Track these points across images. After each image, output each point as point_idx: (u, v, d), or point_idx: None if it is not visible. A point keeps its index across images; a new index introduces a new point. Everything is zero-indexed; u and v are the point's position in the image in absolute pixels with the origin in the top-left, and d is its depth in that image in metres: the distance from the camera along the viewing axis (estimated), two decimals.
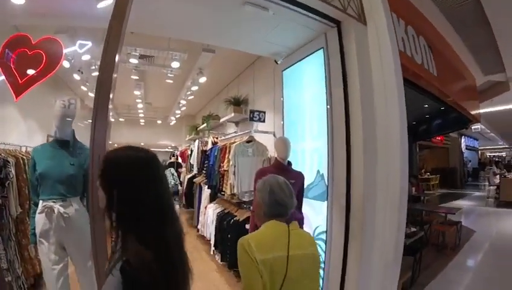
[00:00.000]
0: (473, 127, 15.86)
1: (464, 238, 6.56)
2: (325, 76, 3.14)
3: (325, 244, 3.06)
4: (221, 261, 4.68)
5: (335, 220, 3.01)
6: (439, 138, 15.58)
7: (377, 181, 2.86)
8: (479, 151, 28.90)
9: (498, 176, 12.51)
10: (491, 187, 12.63)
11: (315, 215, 3.21)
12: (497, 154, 32.98)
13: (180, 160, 9.85)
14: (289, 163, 3.06)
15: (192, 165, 7.08)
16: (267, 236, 1.51)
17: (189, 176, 7.22)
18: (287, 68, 3.90)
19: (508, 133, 22.25)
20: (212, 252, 5.05)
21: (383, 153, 2.85)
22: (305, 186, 3.15)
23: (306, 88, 3.54)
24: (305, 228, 3.14)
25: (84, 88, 6.80)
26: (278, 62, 4.10)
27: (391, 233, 2.78)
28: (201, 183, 6.33)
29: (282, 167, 3.00)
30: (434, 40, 5.08)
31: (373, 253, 2.89)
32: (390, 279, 2.86)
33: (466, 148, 21.15)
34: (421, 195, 9.57)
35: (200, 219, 6.18)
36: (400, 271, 2.96)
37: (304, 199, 3.16)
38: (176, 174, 7.85)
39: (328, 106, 3.08)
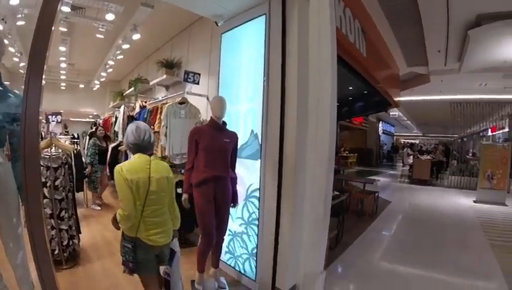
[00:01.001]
0: (391, 113, 17.53)
1: (380, 207, 7.29)
2: (265, 42, 3.16)
3: (259, 201, 3.15)
4: None
5: (268, 177, 3.09)
6: (358, 121, 16.98)
7: (307, 140, 3.04)
8: (395, 137, 32.17)
9: (411, 157, 14.19)
10: (405, 167, 14.22)
11: (248, 174, 3.25)
12: (411, 141, 37.02)
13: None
14: (224, 123, 3.07)
15: (117, 132, 6.53)
16: (135, 164, 2.11)
17: (113, 145, 6.59)
18: (226, 31, 3.83)
19: (423, 123, 25.02)
20: None
21: (314, 115, 3.02)
22: (239, 146, 3.18)
23: (244, 52, 3.51)
24: (239, 187, 3.20)
25: (5, 41, 5.79)
26: (219, 24, 4.02)
27: (321, 189, 2.94)
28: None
29: (217, 126, 2.98)
30: (367, 26, 5.36)
31: (304, 208, 3.05)
32: (321, 233, 3.04)
33: (383, 132, 23.45)
34: (340, 169, 10.41)
35: None
36: None
37: (238, 159, 3.18)
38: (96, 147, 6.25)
39: (266, 70, 3.13)
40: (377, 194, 7.04)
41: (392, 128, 27.90)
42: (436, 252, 4.82)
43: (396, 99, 9.83)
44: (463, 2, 5.40)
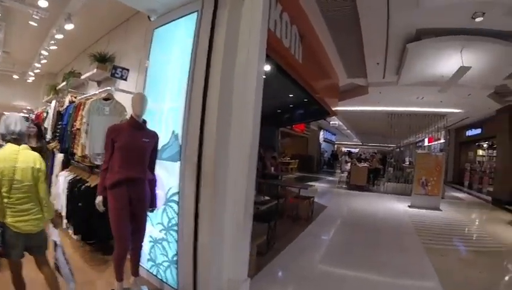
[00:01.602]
0: (331, 122, 18.40)
1: (316, 212, 7.43)
2: (193, 40, 3.06)
3: (178, 206, 2.99)
4: (74, 234, 4.11)
5: (187, 180, 2.96)
6: (300, 128, 17.52)
7: (229, 142, 2.97)
8: (336, 145, 33.83)
9: (349, 164, 14.85)
10: (343, 174, 14.86)
11: (168, 177, 3.08)
12: (352, 149, 39.11)
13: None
14: (144, 121, 2.90)
15: (46, 129, 6.03)
16: (4, 153, 2.21)
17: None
18: (159, 27, 3.66)
19: (362, 132, 26.48)
20: (64, 226, 4.40)
21: (237, 117, 2.97)
22: (160, 147, 3.03)
23: (173, 49, 3.37)
24: (158, 190, 3.05)
25: None
26: (152, 19, 3.83)
27: (241, 192, 2.89)
28: (54, 149, 5.51)
29: (137, 125, 2.82)
30: (307, 34, 5.41)
31: (225, 212, 2.96)
32: (242, 237, 2.97)
33: (324, 140, 24.52)
34: (279, 174, 10.54)
35: (51, 189, 5.37)
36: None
37: (158, 161, 3.04)
38: None
39: (191, 69, 3.03)
40: (312, 199, 7.19)
41: (333, 137, 29.28)
42: (371, 254, 4.96)
43: (334, 109, 10.24)
44: (403, 16, 5.59)
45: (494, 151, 16.60)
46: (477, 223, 8.67)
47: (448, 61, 6.89)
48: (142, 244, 3.04)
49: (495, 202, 12.02)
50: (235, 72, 3.03)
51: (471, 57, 6.55)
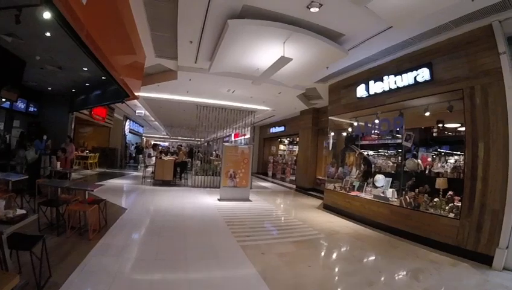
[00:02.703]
0: (137, 111, 16.65)
1: (113, 218, 6.05)
2: None
3: None
4: None
5: None
6: (102, 116, 15.17)
7: None
8: (144, 137, 31.99)
9: (154, 158, 13.64)
10: (149, 169, 13.52)
11: None
12: (161, 143, 37.99)
13: None
14: None
15: None
16: None
17: None
18: None
19: (170, 124, 25.72)
20: None
21: None
22: None
23: None
24: None
25: None
26: None
27: None
28: None
29: None
30: None
31: None
32: None
33: (130, 132, 22.37)
34: (68, 171, 8.55)
35: None
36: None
37: None
38: None
39: None
40: (104, 202, 5.76)
41: (141, 129, 27.30)
42: (184, 268, 4.00)
43: (137, 93, 9.00)
44: None
45: (295, 146, 19.65)
46: (289, 211, 8.97)
47: (267, 51, 6.66)
48: None
49: (298, 189, 13.64)
50: None
51: (293, 51, 6.46)
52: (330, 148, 10.37)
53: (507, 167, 4.59)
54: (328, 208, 9.04)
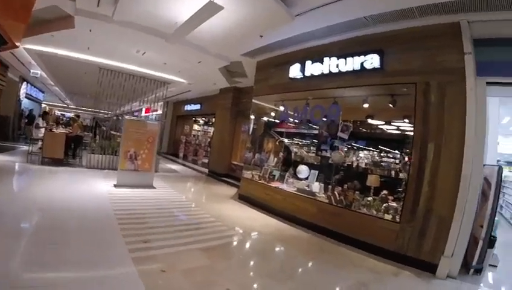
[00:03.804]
0: (31, 71, 13.59)
1: None
2: None
3: None
4: None
5: None
6: None
7: None
8: (45, 105, 27.22)
9: (43, 130, 10.92)
10: (38, 143, 10.89)
11: None
12: (67, 114, 33.04)
13: None
14: None
15: None
16: None
17: None
18: None
19: (72, 91, 22.18)
20: None
21: None
22: None
23: None
24: None
25: None
26: None
27: None
28: None
29: None
30: None
31: None
32: None
33: (26, 97, 18.43)
34: None
35: None
36: None
37: None
38: None
39: None
40: None
41: (41, 95, 22.85)
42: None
43: (18, 41, 6.75)
44: None
45: (210, 127, 17.92)
46: (200, 202, 7.81)
47: None
48: None
49: (211, 174, 12.50)
50: None
51: (229, 2, 5.28)
52: (250, 132, 9.51)
53: (459, 171, 4.14)
54: (244, 199, 8.13)
